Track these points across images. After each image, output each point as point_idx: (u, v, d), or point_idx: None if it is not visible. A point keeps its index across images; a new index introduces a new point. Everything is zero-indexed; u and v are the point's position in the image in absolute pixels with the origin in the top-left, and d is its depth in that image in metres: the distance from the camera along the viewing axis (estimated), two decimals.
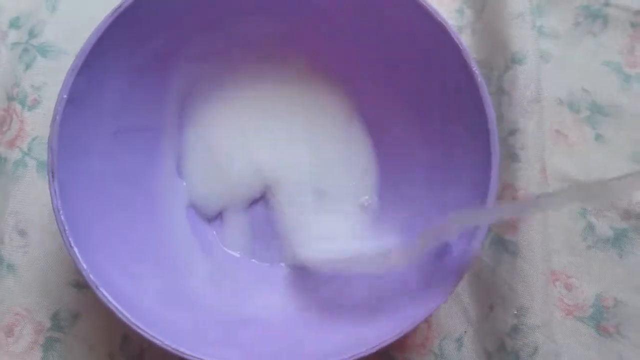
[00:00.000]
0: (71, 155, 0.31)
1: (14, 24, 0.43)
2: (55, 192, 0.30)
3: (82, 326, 0.38)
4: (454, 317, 0.38)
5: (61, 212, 0.30)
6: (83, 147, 0.33)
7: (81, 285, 0.39)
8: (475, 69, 0.32)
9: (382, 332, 0.30)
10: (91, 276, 0.30)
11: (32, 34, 0.42)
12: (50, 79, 0.41)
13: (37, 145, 0.40)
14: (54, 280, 0.39)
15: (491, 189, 0.31)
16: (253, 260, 0.40)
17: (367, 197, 0.40)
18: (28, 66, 0.42)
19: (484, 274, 0.38)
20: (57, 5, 0.43)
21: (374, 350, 0.30)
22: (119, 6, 0.32)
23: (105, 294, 0.30)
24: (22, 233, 0.39)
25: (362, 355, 0.30)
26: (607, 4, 0.43)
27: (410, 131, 0.38)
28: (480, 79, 0.32)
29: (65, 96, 0.31)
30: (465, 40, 0.42)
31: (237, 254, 0.40)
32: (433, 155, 0.37)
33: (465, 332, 0.38)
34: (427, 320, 0.38)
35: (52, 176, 0.30)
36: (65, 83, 0.31)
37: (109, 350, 0.38)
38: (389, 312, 0.33)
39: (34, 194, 0.40)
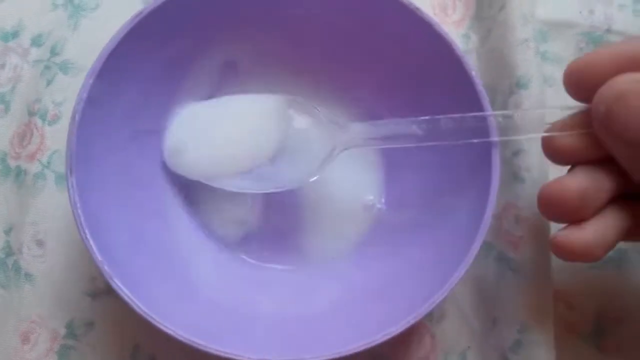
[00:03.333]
0: (87, 154, 0.33)
1: (36, 41, 0.44)
2: (72, 186, 0.32)
3: (96, 334, 0.39)
4: (458, 331, 0.39)
5: (78, 205, 0.31)
6: (98, 147, 0.34)
7: (96, 294, 0.40)
8: (480, 87, 0.34)
9: (390, 319, 0.32)
10: (106, 267, 0.31)
11: (53, 52, 0.44)
12: (71, 95, 0.42)
13: (57, 159, 0.41)
14: (70, 289, 0.40)
15: (489, 204, 0.32)
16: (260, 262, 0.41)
17: (371, 197, 0.41)
18: (49, 83, 0.43)
19: (488, 289, 0.39)
20: (79, 23, 0.44)
21: (382, 340, 0.31)
22: (139, 13, 0.34)
23: (119, 284, 0.31)
24: (40, 243, 0.40)
25: (369, 345, 0.31)
26: (608, 31, 0.44)
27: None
28: (484, 96, 0.34)
29: (85, 95, 0.32)
30: (472, 64, 0.44)
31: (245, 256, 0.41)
32: (436, 162, 0.38)
33: (468, 347, 0.39)
34: (431, 335, 0.39)
35: (70, 172, 0.32)
36: (84, 84, 0.33)
37: (121, 358, 0.39)
38: (398, 299, 0.34)
39: (52, 205, 0.41)
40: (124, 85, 0.35)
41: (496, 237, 0.39)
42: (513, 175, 0.39)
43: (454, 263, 0.32)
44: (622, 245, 0.39)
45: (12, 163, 0.42)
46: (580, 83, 0.31)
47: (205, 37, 0.38)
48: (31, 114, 0.42)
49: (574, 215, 0.31)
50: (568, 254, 0.31)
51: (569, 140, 0.31)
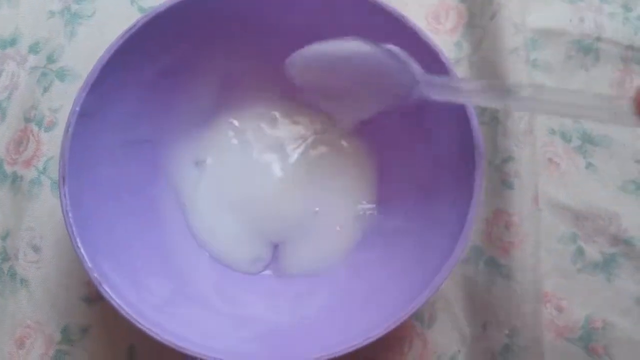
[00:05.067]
0: (80, 164, 0.34)
1: (33, 49, 0.45)
2: (65, 195, 0.32)
3: (90, 340, 0.40)
4: (449, 335, 0.40)
5: (70, 214, 0.32)
6: (91, 157, 0.35)
7: (91, 299, 0.40)
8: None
9: (380, 320, 0.32)
10: (95, 275, 0.32)
11: (50, 59, 0.44)
12: (67, 102, 0.42)
13: (52, 165, 0.42)
14: (65, 295, 0.40)
15: (472, 208, 0.33)
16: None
17: (364, 204, 0.42)
18: (46, 90, 0.43)
19: (479, 294, 0.39)
20: (75, 31, 0.45)
21: (365, 343, 0.31)
22: (130, 28, 0.34)
23: (108, 290, 0.31)
24: (35, 249, 0.41)
25: (353, 348, 0.31)
26: (598, 39, 0.45)
27: (405, 150, 0.40)
28: (471, 109, 0.34)
29: (77, 109, 0.33)
30: (463, 72, 0.44)
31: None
32: (424, 166, 0.38)
33: (459, 351, 0.39)
34: (422, 339, 0.39)
35: (63, 181, 0.32)
36: (77, 98, 0.33)
37: None
38: (386, 303, 0.34)
39: (48, 211, 0.41)
40: (117, 97, 0.36)
41: (486, 242, 0.40)
42: (502, 182, 0.40)
43: (439, 267, 0.32)
44: (610, 249, 0.40)
45: (9, 169, 0.42)
46: None
47: (198, 50, 0.39)
48: (27, 120, 0.43)
49: None
50: None
51: None
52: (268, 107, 0.43)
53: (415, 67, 0.33)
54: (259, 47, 0.40)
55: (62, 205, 0.32)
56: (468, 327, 0.39)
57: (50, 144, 0.42)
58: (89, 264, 0.32)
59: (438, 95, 0.33)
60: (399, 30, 0.35)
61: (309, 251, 0.41)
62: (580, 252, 0.41)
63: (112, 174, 0.36)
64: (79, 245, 0.32)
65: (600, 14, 0.46)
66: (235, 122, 0.42)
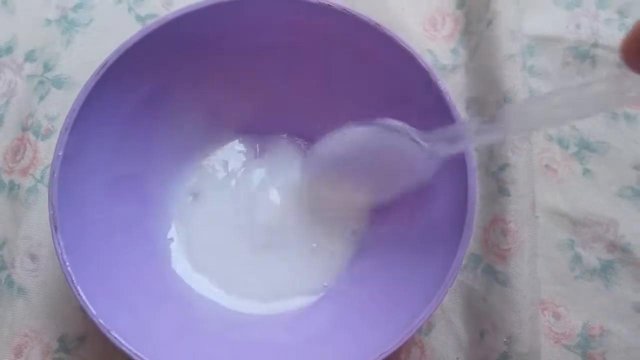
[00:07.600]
0: (71, 206, 0.33)
1: (30, 57, 0.45)
2: (59, 244, 0.32)
3: (87, 348, 0.40)
4: (447, 343, 0.39)
5: (67, 262, 0.32)
6: (81, 198, 0.34)
7: None
8: (456, 111, 0.34)
9: (390, 335, 0.32)
10: (101, 321, 0.31)
11: (47, 67, 0.44)
12: (64, 110, 0.42)
13: (49, 174, 0.42)
14: (62, 304, 0.40)
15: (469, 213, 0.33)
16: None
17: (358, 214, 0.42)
18: (42, 98, 0.43)
19: (476, 302, 0.39)
20: (72, 39, 0.45)
21: (389, 352, 0.31)
22: (105, 63, 0.34)
23: (117, 337, 0.31)
24: (33, 257, 0.41)
25: None
26: (595, 45, 0.45)
27: None
28: (461, 122, 0.34)
29: (60, 153, 0.32)
30: (460, 78, 0.44)
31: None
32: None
33: (457, 358, 0.39)
34: (420, 347, 0.39)
35: (56, 229, 0.32)
36: (59, 141, 0.33)
37: None
38: (388, 319, 0.35)
39: (45, 219, 0.41)
40: (99, 135, 0.35)
41: (483, 250, 0.40)
42: (499, 189, 0.40)
43: (438, 279, 0.32)
44: (607, 256, 0.40)
45: (6, 177, 0.42)
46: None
47: (175, 77, 0.38)
48: (24, 128, 0.43)
49: None
50: None
51: None
52: (254, 137, 0.43)
53: (421, 136, 0.33)
54: (239, 69, 0.40)
55: (57, 253, 0.32)
56: (466, 334, 0.39)
57: (47, 152, 0.42)
58: (94, 312, 0.31)
59: (448, 150, 0.33)
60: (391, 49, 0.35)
61: (305, 274, 0.41)
62: (577, 258, 0.41)
63: (102, 213, 0.36)
64: (81, 293, 0.31)
65: (597, 20, 0.46)
66: (227, 151, 0.43)
